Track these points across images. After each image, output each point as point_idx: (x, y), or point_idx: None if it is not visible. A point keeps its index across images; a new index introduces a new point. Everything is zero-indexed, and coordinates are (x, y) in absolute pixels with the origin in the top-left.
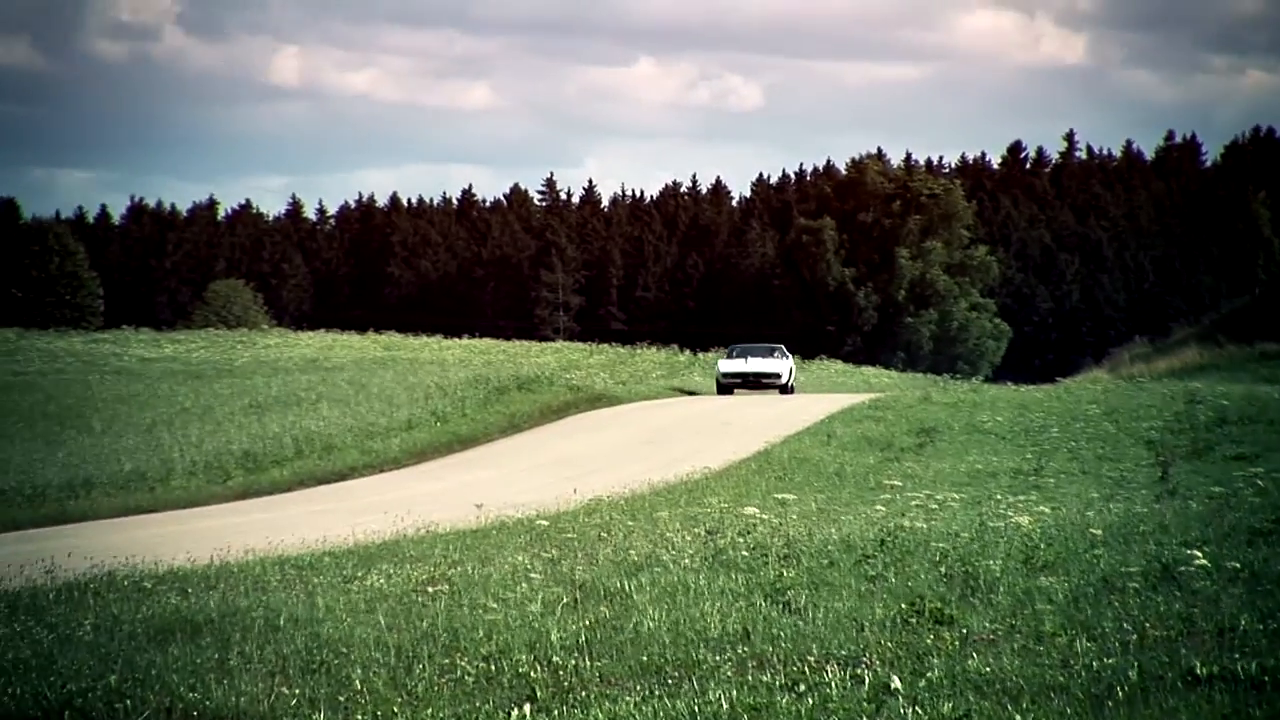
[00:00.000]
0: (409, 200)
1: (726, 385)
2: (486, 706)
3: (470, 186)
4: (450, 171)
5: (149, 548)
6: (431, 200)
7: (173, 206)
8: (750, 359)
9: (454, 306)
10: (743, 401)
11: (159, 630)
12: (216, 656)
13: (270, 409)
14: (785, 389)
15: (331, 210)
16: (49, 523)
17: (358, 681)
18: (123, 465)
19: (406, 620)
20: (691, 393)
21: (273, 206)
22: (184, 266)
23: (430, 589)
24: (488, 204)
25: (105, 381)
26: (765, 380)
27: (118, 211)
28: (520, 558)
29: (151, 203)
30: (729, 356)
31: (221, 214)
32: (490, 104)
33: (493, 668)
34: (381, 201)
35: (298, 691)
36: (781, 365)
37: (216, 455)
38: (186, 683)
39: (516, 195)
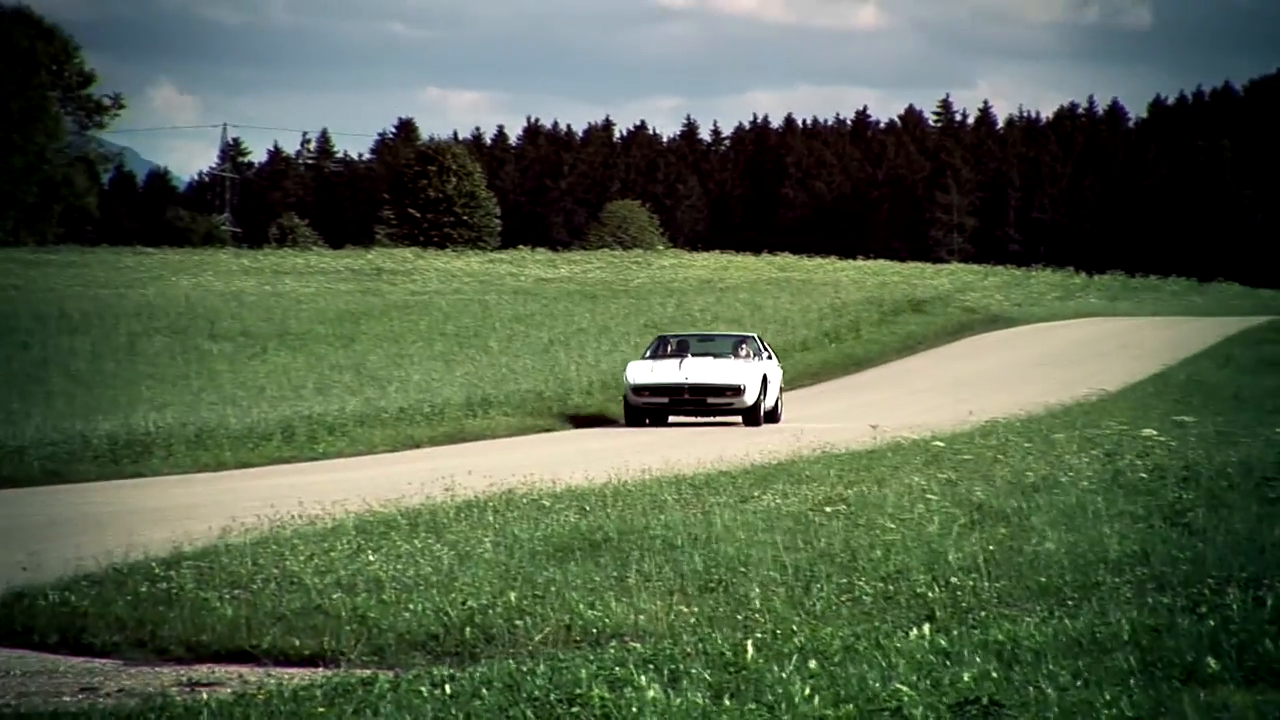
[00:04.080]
0: (803, 121)
1: (641, 408)
2: (885, 625)
3: (865, 108)
4: (841, 93)
5: (547, 466)
6: (825, 121)
7: (568, 127)
8: (689, 361)
9: (848, 228)
10: (1135, 325)
11: (558, 548)
12: (615, 574)
13: (664, 329)
14: (753, 414)
15: (725, 131)
16: (447, 441)
17: (756, 600)
18: (520, 384)
19: (804, 540)
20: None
21: (667, 127)
22: (579, 187)
23: (827, 509)
24: (881, 125)
25: (502, 301)
26: (713, 399)
27: (514, 132)
28: (916, 478)
29: (547, 124)
30: (652, 354)
31: (617, 135)
32: (880, 25)
33: (891, 588)
34: (775, 123)
35: (696, 609)
36: (745, 372)
37: (613, 375)
38: (586, 600)
39: (910, 117)
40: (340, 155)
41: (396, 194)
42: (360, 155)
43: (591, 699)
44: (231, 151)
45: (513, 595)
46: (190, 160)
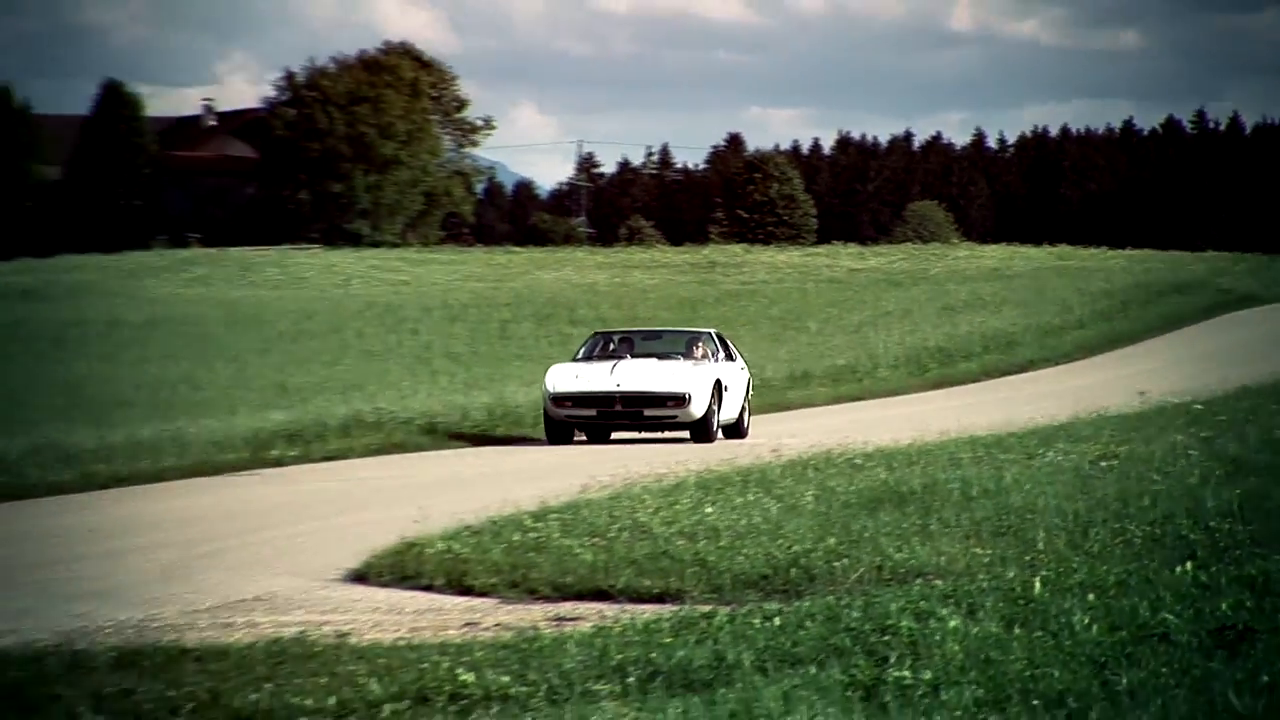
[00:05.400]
0: (1076, 130)
1: (565, 421)
2: (1153, 563)
3: (1130, 119)
4: (1109, 106)
5: (859, 429)
6: (1096, 130)
7: (874, 139)
8: (624, 364)
9: (1118, 221)
10: None
11: (870, 500)
12: (919, 522)
13: (960, 311)
14: (702, 428)
15: (1009, 140)
16: (773, 409)
17: (1041, 543)
18: (835, 360)
19: (1081, 490)
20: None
21: (959, 137)
22: (884, 190)
23: (1102, 464)
24: (1144, 134)
25: (819, 289)
26: (651, 410)
27: (826, 143)
28: (1179, 437)
29: (855, 135)
30: (586, 354)
31: (916, 144)
32: (1142, 45)
33: (1158, 531)
34: (1053, 131)
35: (989, 551)
36: (692, 377)
37: (915, 351)
38: (894, 544)
39: (1170, 125)
40: (679, 165)
41: (727, 198)
42: (695, 165)
43: (901, 628)
44: (586, 164)
45: (831, 540)
46: (551, 172)
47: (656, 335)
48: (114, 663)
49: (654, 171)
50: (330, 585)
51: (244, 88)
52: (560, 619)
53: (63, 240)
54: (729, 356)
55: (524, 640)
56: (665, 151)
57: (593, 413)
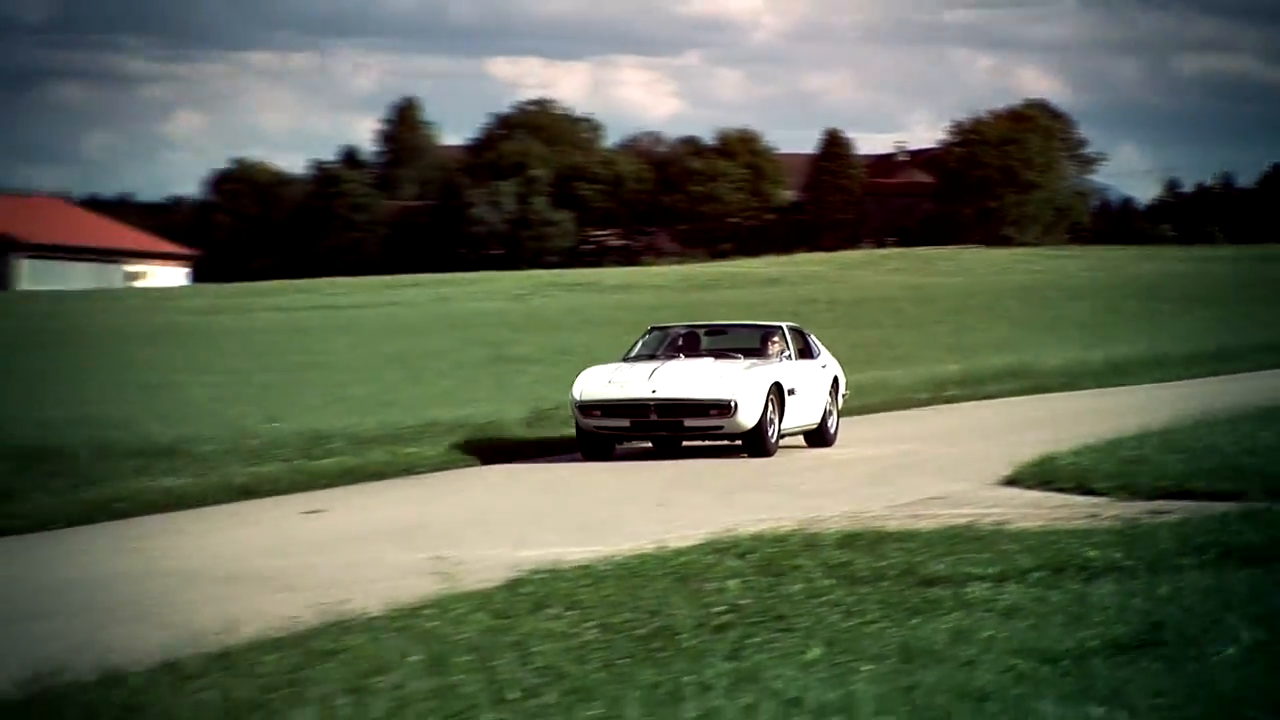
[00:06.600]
0: None
1: (595, 432)
2: None
3: None
4: None
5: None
6: None
7: None
8: (667, 366)
9: None
10: None
11: None
12: None
13: None
14: (756, 438)
15: None
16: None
17: None
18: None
19: None
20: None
21: None
22: None
23: None
24: None
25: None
26: (692, 420)
27: None
28: None
29: None
30: (641, 353)
31: None
32: None
33: None
34: None
35: None
36: (742, 382)
37: None
38: None
39: None
40: (1238, 185)
41: None
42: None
43: None
44: (1170, 186)
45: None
46: (1146, 191)
47: (721, 331)
48: (837, 542)
49: (1219, 190)
50: (990, 488)
51: (925, 133)
52: (1156, 513)
53: (799, 242)
54: (807, 353)
55: (1130, 527)
56: (1227, 175)
57: (626, 423)
